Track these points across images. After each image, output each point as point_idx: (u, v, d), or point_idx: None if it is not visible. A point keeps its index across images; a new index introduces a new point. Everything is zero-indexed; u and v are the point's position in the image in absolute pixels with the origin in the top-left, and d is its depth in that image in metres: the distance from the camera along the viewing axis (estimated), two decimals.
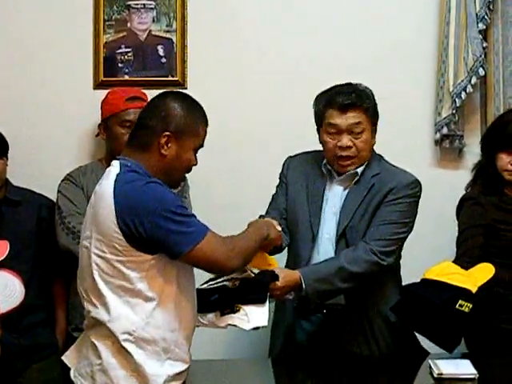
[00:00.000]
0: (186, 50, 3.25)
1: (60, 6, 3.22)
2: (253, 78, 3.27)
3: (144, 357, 2.09)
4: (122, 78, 3.24)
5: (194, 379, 2.35)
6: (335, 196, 2.69)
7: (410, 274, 2.69)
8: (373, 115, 2.67)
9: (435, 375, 2.39)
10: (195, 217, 2.15)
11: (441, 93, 3.26)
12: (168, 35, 3.26)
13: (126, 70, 3.26)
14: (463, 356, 2.61)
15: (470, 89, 3.22)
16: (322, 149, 2.73)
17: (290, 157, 2.84)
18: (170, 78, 3.25)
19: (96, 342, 2.12)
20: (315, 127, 2.71)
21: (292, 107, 3.18)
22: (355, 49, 3.26)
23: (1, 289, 2.19)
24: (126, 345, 2.09)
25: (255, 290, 2.35)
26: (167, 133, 2.15)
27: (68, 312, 2.99)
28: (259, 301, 2.33)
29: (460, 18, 3.21)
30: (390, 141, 3.03)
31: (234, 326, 2.32)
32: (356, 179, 2.67)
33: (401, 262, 2.75)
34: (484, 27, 3.23)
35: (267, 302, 2.35)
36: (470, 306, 2.46)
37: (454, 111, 3.24)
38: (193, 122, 2.19)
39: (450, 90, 3.22)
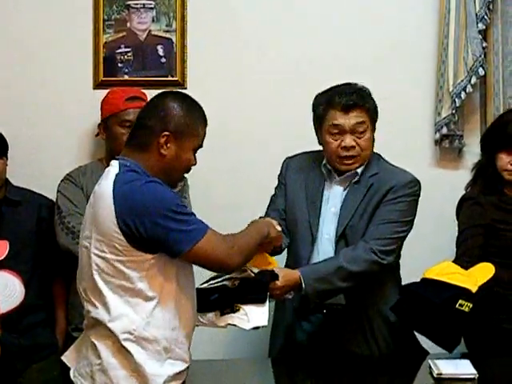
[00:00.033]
0: (185, 50, 3.25)
1: (60, 6, 3.22)
2: (253, 78, 3.27)
3: (144, 356, 2.09)
4: (121, 78, 3.24)
5: (194, 379, 2.35)
6: (335, 196, 2.70)
7: (409, 274, 2.69)
8: (374, 114, 2.67)
9: (435, 375, 2.38)
10: (195, 215, 2.15)
11: (440, 93, 3.26)
12: (168, 35, 3.26)
13: (126, 70, 3.26)
14: (463, 356, 2.61)
15: (469, 89, 3.23)
16: (320, 149, 2.74)
17: (289, 157, 2.84)
18: (170, 78, 3.25)
19: (96, 342, 2.12)
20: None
21: (292, 107, 3.18)
22: (355, 49, 3.26)
23: (1, 289, 2.20)
24: (127, 344, 2.09)
25: (255, 289, 2.35)
26: (166, 133, 2.15)
27: (68, 312, 2.99)
28: (259, 300, 2.33)
29: (460, 18, 3.21)
30: (389, 141, 3.03)
31: (234, 325, 2.32)
32: (356, 179, 2.67)
33: (401, 261, 2.75)
34: (484, 27, 3.23)
35: (267, 301, 2.35)
36: (470, 305, 2.46)
37: (454, 111, 3.24)
38: (192, 122, 2.19)
39: (450, 89, 3.22)
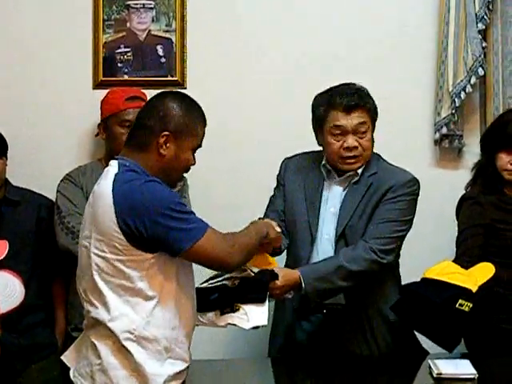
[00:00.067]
0: (185, 50, 3.25)
1: (60, 6, 3.22)
2: (252, 78, 3.27)
3: (145, 356, 2.09)
4: (121, 78, 3.24)
5: (194, 379, 2.35)
6: (335, 196, 2.69)
7: (409, 274, 2.69)
8: (374, 114, 2.68)
9: (435, 375, 2.38)
10: (195, 214, 2.16)
11: (440, 93, 3.26)
12: (167, 35, 3.26)
13: (126, 70, 3.26)
14: (463, 356, 2.61)
15: (469, 89, 3.23)
16: (318, 149, 2.73)
17: (287, 158, 2.83)
18: (170, 78, 3.25)
19: (96, 342, 2.12)
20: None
21: (292, 107, 3.18)
22: (355, 49, 3.26)
23: (1, 289, 2.20)
24: (127, 344, 2.09)
25: (255, 289, 2.35)
26: (166, 133, 2.15)
27: (67, 312, 2.99)
28: (259, 300, 2.33)
29: (459, 17, 3.21)
30: (389, 141, 3.04)
31: (234, 325, 2.32)
32: (355, 179, 2.67)
33: (401, 261, 2.75)
34: (483, 27, 3.23)
35: (267, 301, 2.35)
36: (470, 305, 2.46)
37: (454, 111, 3.24)
38: (191, 122, 2.19)
39: (450, 89, 3.22)
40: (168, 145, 2.15)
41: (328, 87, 2.70)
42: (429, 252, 3.14)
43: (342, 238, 2.64)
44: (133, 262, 2.08)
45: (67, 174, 2.97)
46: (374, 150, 2.73)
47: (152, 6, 3.25)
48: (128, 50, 3.25)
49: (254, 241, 2.28)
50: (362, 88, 2.68)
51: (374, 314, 2.67)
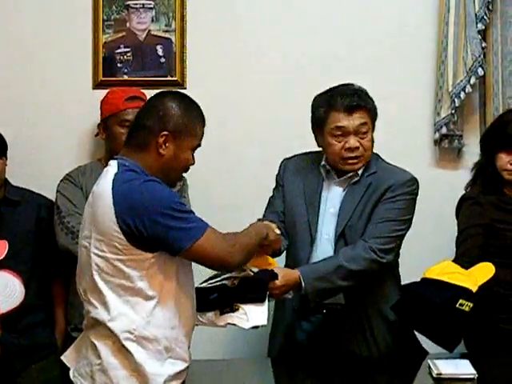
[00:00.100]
0: (185, 50, 3.25)
1: (59, 6, 3.22)
2: (252, 78, 3.27)
3: (145, 356, 2.09)
4: (121, 78, 3.24)
5: (194, 379, 2.35)
6: (334, 197, 2.69)
7: (409, 274, 2.68)
8: (374, 114, 2.68)
9: (434, 375, 2.38)
10: (194, 214, 2.16)
11: (440, 93, 3.26)
12: (167, 35, 3.26)
13: (125, 70, 3.26)
14: (462, 356, 2.61)
15: (469, 89, 3.23)
16: (317, 150, 2.73)
17: (286, 159, 2.83)
18: (169, 78, 3.25)
19: (96, 342, 2.12)
20: None
21: (292, 107, 3.18)
22: (355, 49, 3.26)
23: (1, 289, 2.20)
24: (127, 344, 2.09)
25: (254, 288, 2.35)
26: (165, 132, 2.15)
27: (67, 312, 2.99)
28: (258, 300, 2.33)
29: (459, 18, 3.22)
30: (389, 140, 3.04)
31: (234, 324, 2.32)
32: (355, 179, 2.67)
33: (400, 261, 2.75)
34: (483, 27, 3.23)
35: (266, 300, 2.35)
36: (471, 305, 2.46)
37: (453, 111, 3.24)
38: (190, 121, 2.20)
39: (449, 89, 3.22)
40: (167, 144, 2.16)
41: (328, 87, 2.70)
42: (429, 252, 3.14)
43: (342, 238, 2.64)
44: (133, 261, 2.08)
45: (67, 174, 2.97)
46: (374, 150, 2.73)
47: (152, 6, 3.25)
48: (128, 50, 3.25)
49: (253, 241, 2.28)
50: (361, 88, 2.67)
51: (374, 313, 2.67)
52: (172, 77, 3.25)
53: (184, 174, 2.38)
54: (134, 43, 3.25)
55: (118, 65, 3.25)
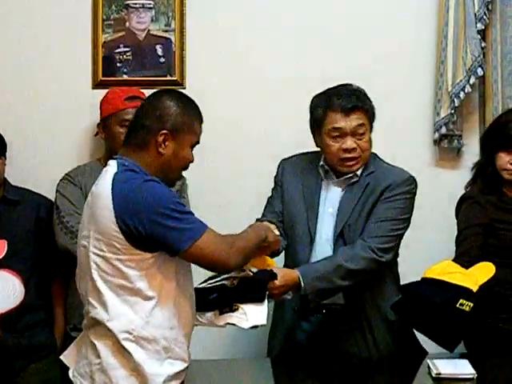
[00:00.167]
0: (184, 50, 3.25)
1: (59, 5, 3.22)
2: (252, 78, 3.27)
3: (144, 356, 2.09)
4: (120, 78, 3.24)
5: (193, 379, 2.35)
6: (333, 197, 2.69)
7: (409, 274, 2.69)
8: (372, 115, 2.67)
9: (433, 375, 2.38)
10: (194, 215, 2.15)
11: (439, 93, 3.26)
12: (167, 35, 3.25)
13: (125, 70, 3.26)
14: (461, 356, 2.61)
15: (468, 89, 3.23)
16: (316, 150, 2.73)
17: (284, 159, 2.83)
18: (169, 78, 3.25)
19: (95, 342, 2.12)
20: None
21: (292, 107, 3.17)
22: (355, 49, 3.25)
23: (0, 288, 2.20)
24: (126, 344, 2.09)
25: (254, 288, 2.35)
26: (164, 131, 2.16)
27: (66, 312, 2.99)
28: (258, 299, 2.33)
29: (459, 18, 3.22)
30: (389, 140, 3.04)
31: (233, 324, 2.32)
32: (354, 180, 2.67)
33: (400, 261, 2.75)
34: (483, 27, 3.23)
35: (266, 300, 2.35)
36: (471, 305, 2.46)
37: (453, 111, 3.24)
38: (189, 119, 2.20)
39: (449, 89, 3.22)
40: (167, 143, 2.16)
41: (325, 89, 2.70)
42: (428, 252, 3.14)
43: (341, 237, 2.64)
44: (132, 261, 2.08)
45: (66, 174, 2.97)
46: (373, 150, 2.73)
47: (151, 5, 3.25)
48: (127, 49, 3.25)
49: (252, 244, 2.28)
50: (360, 89, 2.67)
51: (373, 313, 2.67)
52: (171, 76, 3.25)
53: (184, 174, 2.38)
54: (134, 43, 3.25)
55: (118, 64, 3.25)
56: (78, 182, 2.93)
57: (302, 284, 2.51)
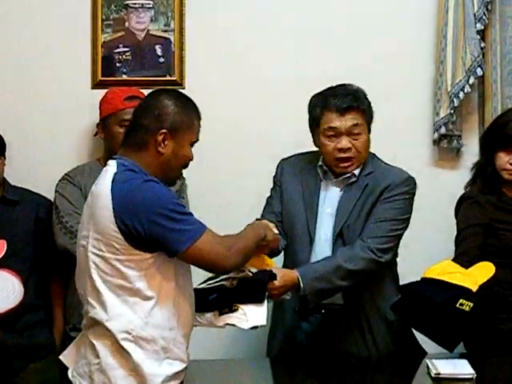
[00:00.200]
0: (183, 50, 3.24)
1: (58, 5, 3.22)
2: (251, 78, 3.26)
3: (143, 356, 2.09)
4: (119, 78, 3.24)
5: (192, 379, 2.35)
6: (332, 197, 2.69)
7: (408, 274, 2.69)
8: (369, 116, 2.67)
9: (433, 375, 2.38)
10: (193, 216, 2.15)
11: (439, 93, 3.26)
12: (166, 35, 3.25)
13: (124, 70, 3.26)
14: (461, 356, 2.61)
15: (467, 89, 3.23)
16: (315, 150, 2.73)
17: (283, 159, 2.83)
18: (168, 78, 3.25)
19: (94, 342, 2.12)
20: None
21: (291, 107, 3.17)
22: (354, 49, 3.25)
23: (0, 288, 2.20)
24: (125, 344, 2.08)
25: (253, 289, 2.35)
26: (163, 130, 2.16)
27: (65, 311, 2.99)
28: (257, 300, 2.33)
29: (458, 18, 3.22)
30: (388, 140, 3.05)
31: (233, 325, 2.32)
32: (352, 180, 2.67)
33: (400, 261, 2.75)
34: (482, 27, 3.23)
35: (265, 301, 2.35)
36: (471, 304, 2.46)
37: (452, 111, 3.24)
38: (187, 117, 2.21)
39: (448, 89, 3.22)
40: (166, 142, 2.16)
41: (322, 89, 2.70)
42: (428, 252, 3.14)
43: (340, 238, 2.64)
44: (131, 261, 2.08)
45: (66, 174, 2.97)
46: (372, 150, 2.73)
47: (151, 5, 3.25)
48: (127, 49, 3.25)
49: (251, 244, 2.28)
50: (358, 89, 2.67)
51: (373, 313, 2.67)
52: (171, 76, 3.25)
53: (183, 174, 2.37)
54: (133, 43, 3.25)
55: (117, 64, 3.25)
56: (78, 182, 2.93)
57: (302, 284, 2.51)
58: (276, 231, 2.48)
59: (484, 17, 3.22)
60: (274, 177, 2.82)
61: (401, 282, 2.73)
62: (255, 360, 2.94)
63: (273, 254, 2.59)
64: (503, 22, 3.26)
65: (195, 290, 2.28)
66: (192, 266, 2.22)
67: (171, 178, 2.25)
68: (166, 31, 3.25)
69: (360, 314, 2.66)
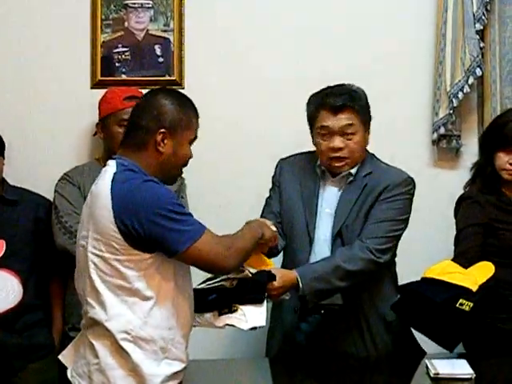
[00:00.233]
0: (183, 50, 3.25)
1: (58, 5, 3.22)
2: (251, 78, 3.26)
3: (142, 356, 2.09)
4: (119, 78, 3.24)
5: (192, 379, 2.35)
6: (330, 197, 2.69)
7: (408, 274, 2.68)
8: (365, 116, 2.66)
9: (432, 375, 2.38)
10: (192, 216, 2.16)
11: (438, 93, 3.26)
12: (165, 35, 3.25)
13: (124, 70, 3.26)
14: (460, 356, 2.61)
15: (467, 89, 3.23)
16: (314, 149, 2.73)
17: (282, 159, 2.83)
18: (168, 78, 3.25)
19: (94, 342, 2.12)
20: None
21: (291, 107, 3.15)
22: (354, 49, 3.26)
23: None
24: (124, 344, 2.09)
25: (253, 289, 2.35)
26: (162, 130, 2.16)
27: (65, 311, 2.99)
28: (257, 301, 2.33)
29: (457, 18, 3.22)
30: (387, 141, 3.05)
31: (232, 325, 2.32)
32: (350, 179, 2.67)
33: (399, 261, 2.75)
34: (481, 27, 3.23)
35: (265, 301, 2.35)
36: (471, 304, 2.46)
37: (451, 111, 3.24)
38: (185, 115, 2.21)
39: (447, 90, 3.23)
40: (165, 142, 2.17)
41: (320, 88, 2.70)
42: (427, 252, 3.14)
43: (339, 238, 2.64)
44: (130, 261, 2.08)
45: (65, 174, 2.97)
46: (372, 150, 2.73)
47: (150, 5, 3.25)
48: (126, 49, 3.25)
49: (249, 244, 2.28)
50: (356, 89, 2.66)
51: (371, 312, 2.67)
52: (170, 76, 3.25)
53: (183, 174, 2.37)
54: (133, 43, 3.25)
55: (117, 64, 3.25)
56: (77, 181, 2.93)
57: (301, 285, 2.51)
58: (274, 228, 2.47)
59: (483, 17, 3.22)
60: (273, 177, 2.82)
61: (400, 282, 2.73)
62: (254, 360, 2.94)
63: (272, 254, 2.59)
64: (502, 22, 3.26)
65: (195, 290, 2.28)
66: (192, 267, 2.22)
67: (171, 177, 2.25)
68: (165, 31, 3.25)
69: (359, 315, 2.66)
